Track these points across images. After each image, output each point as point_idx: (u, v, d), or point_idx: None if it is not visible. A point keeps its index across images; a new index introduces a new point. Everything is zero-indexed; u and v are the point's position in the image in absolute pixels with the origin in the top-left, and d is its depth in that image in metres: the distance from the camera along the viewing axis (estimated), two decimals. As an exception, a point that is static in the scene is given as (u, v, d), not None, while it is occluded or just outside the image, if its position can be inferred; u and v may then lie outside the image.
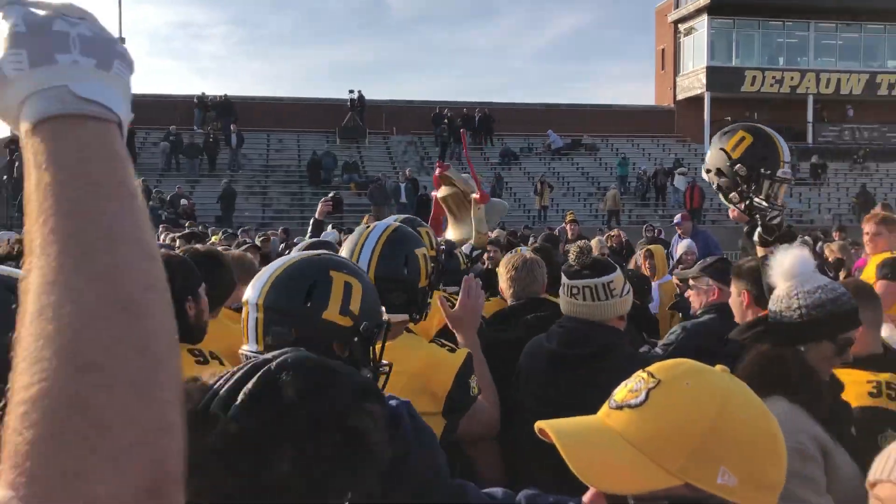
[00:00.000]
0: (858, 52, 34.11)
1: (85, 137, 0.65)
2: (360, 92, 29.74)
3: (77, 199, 0.62)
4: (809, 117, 33.16)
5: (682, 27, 34.68)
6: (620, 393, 1.10)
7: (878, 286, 4.18)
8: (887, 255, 4.87)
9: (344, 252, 2.46)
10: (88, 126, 0.66)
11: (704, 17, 32.96)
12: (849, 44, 34.10)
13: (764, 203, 3.38)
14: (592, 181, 28.31)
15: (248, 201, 25.00)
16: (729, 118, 32.84)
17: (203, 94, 28.37)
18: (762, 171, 3.39)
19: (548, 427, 1.10)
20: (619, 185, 27.21)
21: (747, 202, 3.46)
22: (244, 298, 1.78)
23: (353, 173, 26.45)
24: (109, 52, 0.70)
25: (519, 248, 4.13)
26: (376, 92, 63.26)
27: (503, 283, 3.40)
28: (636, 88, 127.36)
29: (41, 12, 0.67)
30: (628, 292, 2.77)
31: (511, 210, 25.14)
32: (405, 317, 2.30)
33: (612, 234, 11.04)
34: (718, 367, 1.15)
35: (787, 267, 2.17)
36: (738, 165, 3.44)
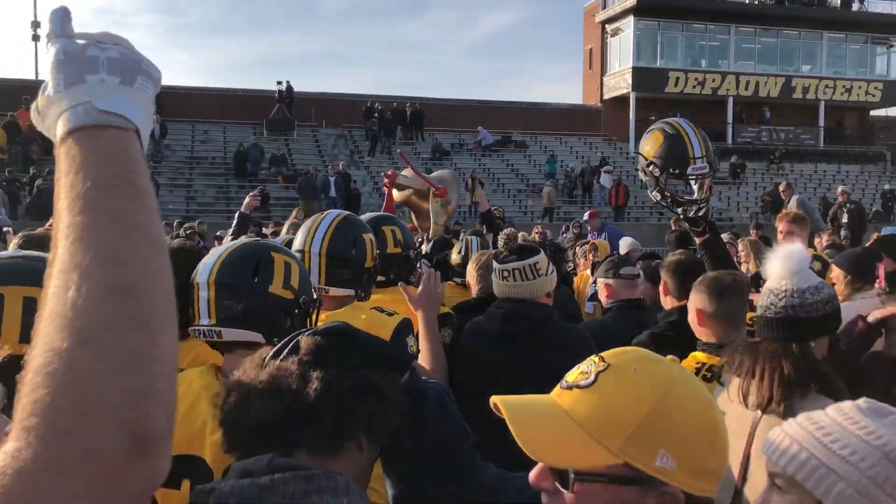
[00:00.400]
0: (775, 56, 35.46)
1: (103, 144, 0.77)
2: (288, 83, 29.29)
3: (92, 196, 0.73)
4: (729, 118, 34.30)
5: (609, 28, 35.36)
6: (572, 374, 1.15)
7: None
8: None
9: (299, 234, 2.79)
10: (107, 134, 0.78)
11: (631, 19, 33.70)
12: (767, 48, 35.41)
13: (679, 199, 3.58)
14: (522, 178, 28.63)
15: (172, 194, 24.33)
16: (653, 118, 33.55)
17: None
18: (672, 170, 3.56)
19: (500, 402, 1.13)
20: (547, 182, 27.64)
21: (668, 199, 3.64)
22: (194, 280, 1.95)
23: (281, 166, 26.00)
24: (134, 71, 0.84)
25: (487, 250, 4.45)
26: (306, 84, 62.49)
27: (471, 278, 3.79)
28: (565, 87, 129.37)
29: (80, 41, 0.83)
30: (552, 272, 3.09)
31: (441, 205, 25.21)
32: (350, 291, 2.68)
33: (537, 230, 11.66)
34: (669, 357, 1.19)
35: (793, 264, 2.16)
36: (651, 166, 3.61)
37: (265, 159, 26.11)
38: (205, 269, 1.95)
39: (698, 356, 2.67)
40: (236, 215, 5.43)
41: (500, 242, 3.26)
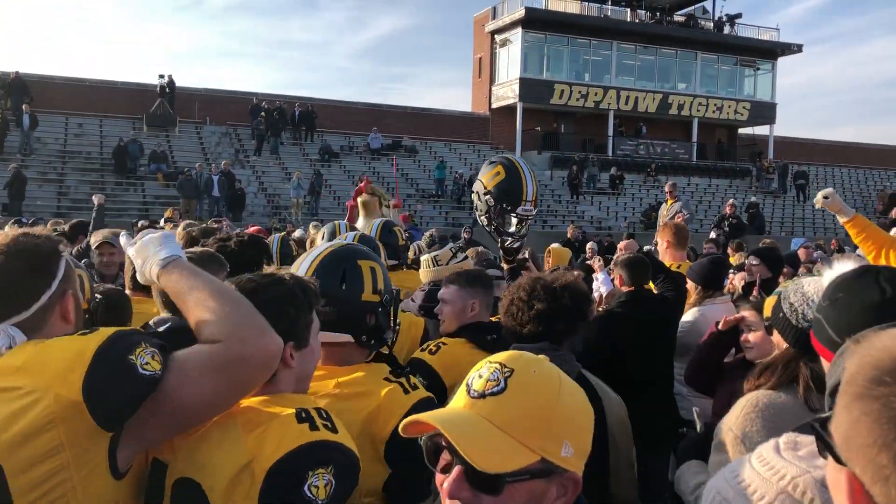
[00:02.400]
0: (654, 73, 37.18)
1: (175, 269, 1.76)
2: (170, 77, 28.19)
3: (190, 287, 1.72)
4: (610, 131, 35.66)
5: (498, 38, 36.06)
6: (478, 383, 1.21)
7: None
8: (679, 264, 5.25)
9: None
10: (175, 264, 1.76)
11: (519, 31, 34.49)
12: (646, 65, 37.06)
13: (508, 229, 4.10)
14: (411, 183, 28.73)
15: (42, 188, 22.94)
16: (538, 128, 34.66)
17: (-10, 68, 25.66)
18: (503, 205, 4.04)
19: (430, 419, 1.18)
20: (436, 187, 27.86)
21: (494, 226, 4.14)
22: None
23: (161, 163, 24.98)
24: (170, 239, 1.83)
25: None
26: (189, 79, 60.32)
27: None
28: (455, 94, 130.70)
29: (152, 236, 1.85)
30: (450, 260, 4.03)
31: (330, 208, 24.97)
32: (348, 337, 2.23)
33: (428, 233, 11.80)
34: (542, 356, 1.28)
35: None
36: (488, 196, 4.07)
37: (144, 156, 25.03)
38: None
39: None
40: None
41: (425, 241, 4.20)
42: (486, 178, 4.11)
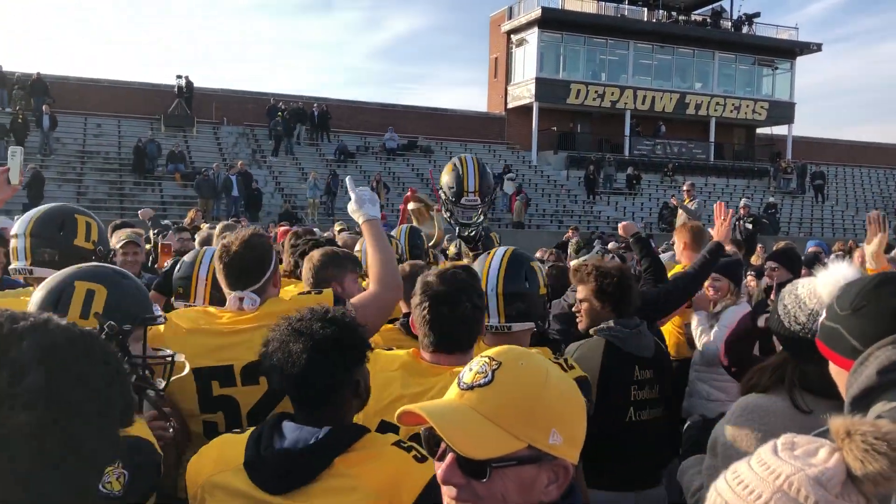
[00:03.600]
0: (671, 73, 37.01)
1: (372, 227, 2.89)
2: (188, 78, 28.41)
3: (376, 241, 2.87)
4: (627, 131, 35.54)
5: (514, 38, 36.03)
6: (468, 375, 1.28)
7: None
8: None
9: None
10: (373, 223, 2.90)
11: (535, 31, 34.45)
12: (663, 65, 36.91)
13: (460, 220, 4.56)
14: (426, 182, 28.78)
15: (61, 188, 23.18)
16: (555, 128, 34.62)
17: (7, 70, 25.91)
18: (449, 196, 4.54)
19: (419, 410, 1.25)
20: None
21: (453, 218, 4.60)
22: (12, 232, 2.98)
23: (179, 163, 25.17)
24: (376, 204, 2.95)
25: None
26: (207, 80, 60.80)
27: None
28: (470, 94, 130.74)
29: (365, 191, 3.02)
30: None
31: (347, 208, 25.02)
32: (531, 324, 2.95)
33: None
34: (534, 349, 1.40)
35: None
36: (441, 189, 4.61)
37: (162, 156, 25.22)
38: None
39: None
40: None
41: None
42: (444, 176, 4.64)
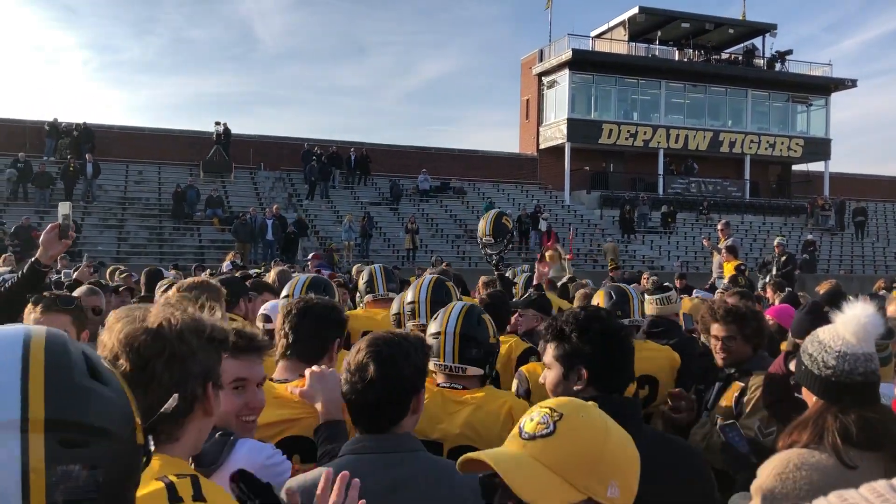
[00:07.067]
0: (703, 111, 36.91)
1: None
2: (225, 125, 29.03)
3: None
4: (660, 170, 35.39)
5: (545, 80, 36.29)
6: (529, 426, 1.31)
7: None
8: None
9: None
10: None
11: (566, 72, 34.68)
12: (695, 103, 36.83)
13: (494, 258, 6.09)
14: (460, 223, 28.89)
15: (103, 234, 23.72)
16: (587, 168, 34.61)
17: (55, 120, 26.78)
18: (477, 237, 6.31)
19: (487, 458, 1.28)
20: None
21: (489, 255, 6.18)
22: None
23: (217, 208, 25.64)
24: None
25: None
26: (243, 126, 61.91)
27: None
28: (502, 135, 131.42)
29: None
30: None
31: (381, 250, 25.23)
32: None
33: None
34: (590, 402, 1.38)
35: (864, 327, 2.09)
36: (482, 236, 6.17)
37: (201, 201, 25.73)
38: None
39: None
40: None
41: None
42: (480, 224, 6.25)
